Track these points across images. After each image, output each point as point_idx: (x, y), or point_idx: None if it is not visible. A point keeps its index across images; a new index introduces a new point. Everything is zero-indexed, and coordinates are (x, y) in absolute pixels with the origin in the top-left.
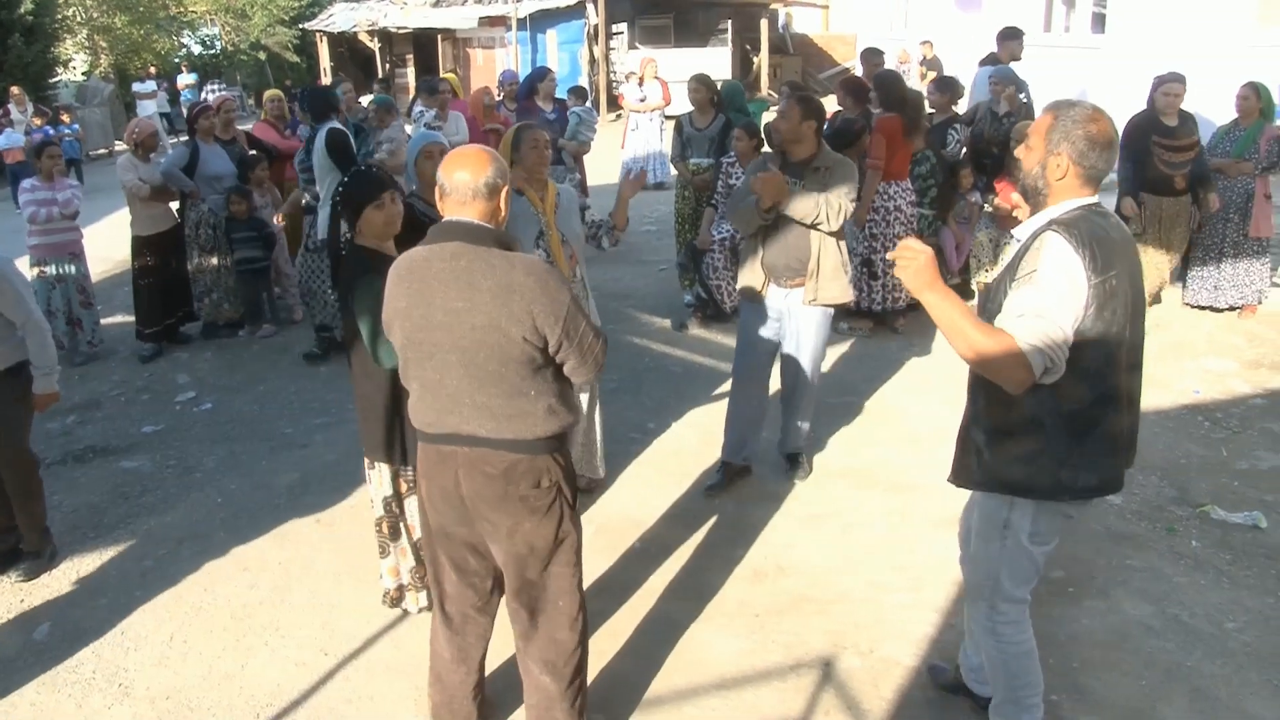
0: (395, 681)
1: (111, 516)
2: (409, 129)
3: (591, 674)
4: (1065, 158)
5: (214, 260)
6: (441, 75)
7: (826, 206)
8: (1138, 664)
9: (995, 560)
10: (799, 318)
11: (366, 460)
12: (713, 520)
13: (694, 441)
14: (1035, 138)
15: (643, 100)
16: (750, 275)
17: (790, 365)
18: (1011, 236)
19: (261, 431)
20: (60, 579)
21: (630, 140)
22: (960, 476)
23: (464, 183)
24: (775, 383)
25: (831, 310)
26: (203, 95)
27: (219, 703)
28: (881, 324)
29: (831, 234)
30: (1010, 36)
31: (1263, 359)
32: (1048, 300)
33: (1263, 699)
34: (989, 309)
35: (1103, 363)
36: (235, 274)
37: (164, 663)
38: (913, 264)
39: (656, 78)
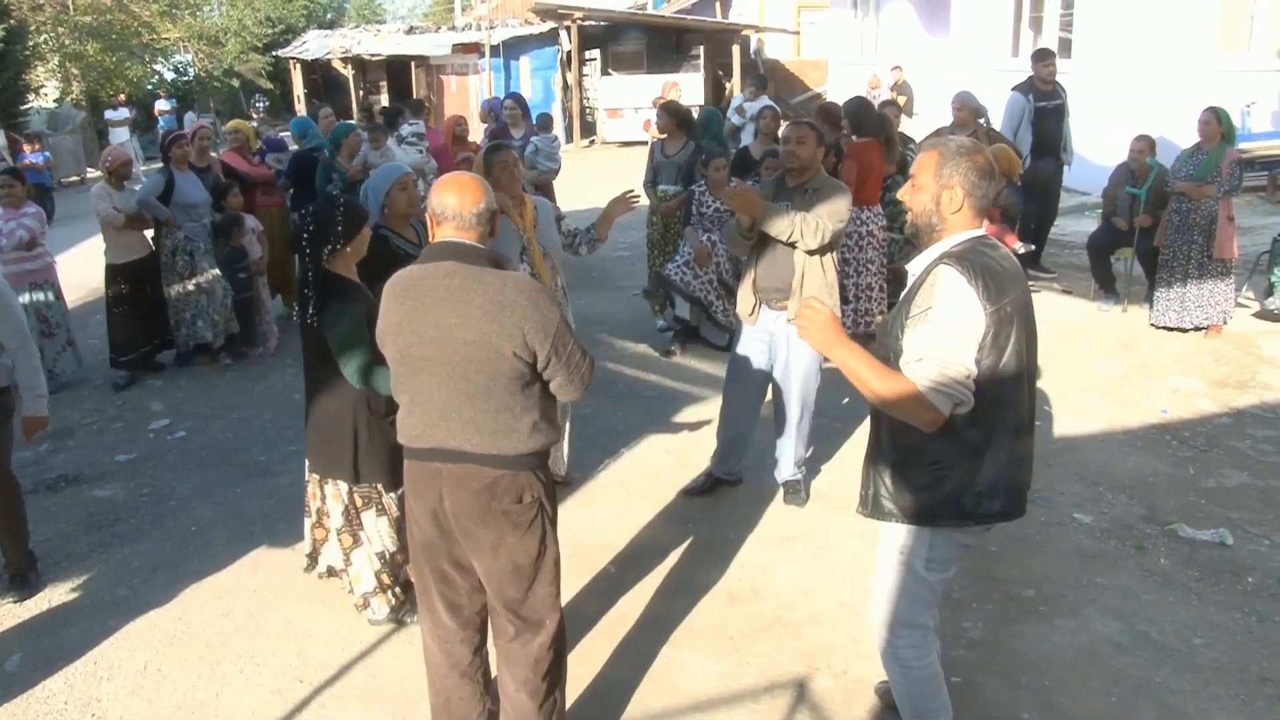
0: (370, 708)
1: (84, 545)
2: (398, 149)
3: (568, 698)
4: (959, 190)
5: (190, 287)
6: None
7: (802, 224)
8: (1107, 681)
9: (894, 586)
10: (788, 340)
11: (316, 478)
12: (687, 544)
13: (668, 466)
14: (923, 176)
15: None
16: (744, 297)
17: (781, 389)
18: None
19: (235, 459)
20: (32, 608)
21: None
22: (865, 506)
23: (461, 209)
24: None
25: None
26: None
27: None
28: None
29: (813, 252)
30: (1039, 59)
31: (1229, 378)
32: (945, 338)
33: (1229, 713)
34: (885, 343)
35: (1000, 390)
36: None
37: (138, 692)
38: (814, 323)
39: None
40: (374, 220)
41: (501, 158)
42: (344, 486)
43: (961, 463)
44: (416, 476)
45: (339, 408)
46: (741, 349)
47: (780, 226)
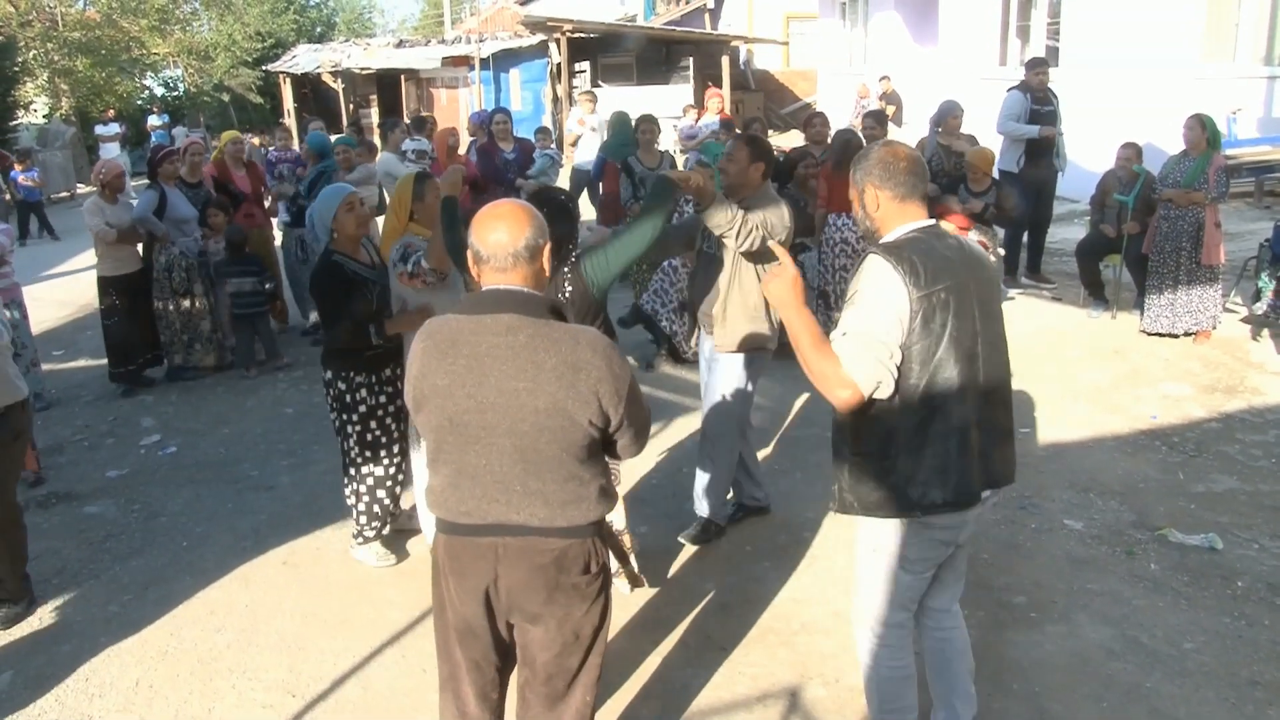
0: None
1: (75, 562)
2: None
3: None
4: (871, 188)
5: (186, 304)
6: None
7: (741, 222)
8: (1098, 686)
9: (870, 582)
10: (709, 367)
11: None
12: (678, 555)
13: (657, 478)
14: (851, 190)
15: (693, 138)
16: (690, 323)
17: (704, 415)
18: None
19: (227, 474)
20: (23, 626)
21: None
22: (834, 502)
23: (501, 246)
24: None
25: (743, 357)
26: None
27: None
28: None
29: (748, 257)
30: (1033, 67)
31: (1217, 383)
32: (866, 317)
33: (1220, 717)
34: None
35: (936, 376)
36: (233, 315)
37: (129, 709)
38: (778, 280)
39: (720, 112)
40: (323, 244)
41: (432, 185)
42: None
43: (903, 454)
44: (463, 555)
45: None
46: (701, 373)
47: (720, 219)
